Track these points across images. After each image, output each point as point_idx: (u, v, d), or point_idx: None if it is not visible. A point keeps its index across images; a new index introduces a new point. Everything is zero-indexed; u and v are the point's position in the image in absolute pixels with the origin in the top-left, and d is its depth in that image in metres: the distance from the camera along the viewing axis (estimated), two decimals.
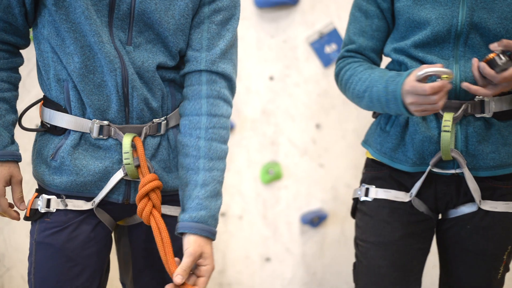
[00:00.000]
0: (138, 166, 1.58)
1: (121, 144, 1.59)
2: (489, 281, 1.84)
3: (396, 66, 1.83)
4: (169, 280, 1.53)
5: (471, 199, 1.80)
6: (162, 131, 1.65)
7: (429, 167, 1.76)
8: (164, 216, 1.62)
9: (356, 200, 1.91)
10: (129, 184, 1.62)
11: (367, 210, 1.86)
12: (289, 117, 2.92)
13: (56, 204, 1.59)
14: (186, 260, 1.50)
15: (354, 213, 1.93)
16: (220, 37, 1.63)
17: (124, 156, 1.58)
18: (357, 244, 1.90)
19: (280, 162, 2.94)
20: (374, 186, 1.85)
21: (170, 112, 1.67)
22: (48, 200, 1.59)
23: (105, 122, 1.57)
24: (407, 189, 1.82)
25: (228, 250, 3.05)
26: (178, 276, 1.48)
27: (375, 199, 1.85)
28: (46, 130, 1.62)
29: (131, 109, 1.59)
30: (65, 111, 1.58)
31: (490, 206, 1.79)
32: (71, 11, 1.50)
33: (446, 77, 1.58)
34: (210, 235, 1.56)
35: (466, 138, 1.74)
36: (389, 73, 1.72)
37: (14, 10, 1.53)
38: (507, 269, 1.87)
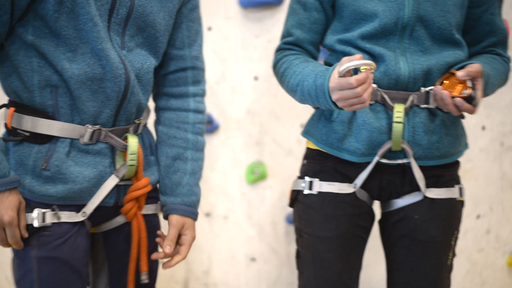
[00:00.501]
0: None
1: (111, 147, 1.59)
2: (440, 268, 1.85)
3: (340, 57, 1.81)
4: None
5: (415, 188, 1.82)
6: (140, 131, 1.68)
7: (377, 158, 1.78)
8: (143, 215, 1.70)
9: (297, 192, 1.90)
10: (119, 186, 1.62)
11: (312, 204, 1.86)
12: (274, 117, 2.93)
13: (51, 217, 1.53)
14: (172, 231, 1.69)
15: (293, 203, 1.93)
16: (197, 33, 1.76)
17: (130, 157, 1.58)
18: (300, 235, 1.91)
19: (265, 162, 2.94)
20: (318, 179, 1.85)
21: (143, 112, 1.70)
22: (43, 214, 1.52)
23: (97, 127, 1.55)
24: (351, 180, 1.83)
25: (214, 251, 3.04)
26: (167, 246, 1.67)
27: (319, 193, 1.85)
28: (25, 139, 1.53)
29: (122, 112, 1.58)
30: (52, 118, 1.53)
31: (435, 193, 1.82)
32: (75, 19, 1.46)
33: (365, 69, 1.57)
34: (195, 216, 1.78)
35: (413, 129, 1.77)
36: (320, 67, 1.72)
37: (2, 18, 1.45)
38: (454, 255, 1.89)
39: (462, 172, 3.05)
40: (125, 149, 1.60)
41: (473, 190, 3.08)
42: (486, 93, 1.75)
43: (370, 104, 1.76)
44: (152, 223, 1.74)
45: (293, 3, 1.87)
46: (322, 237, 1.84)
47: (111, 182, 1.59)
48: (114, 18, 1.52)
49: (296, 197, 1.90)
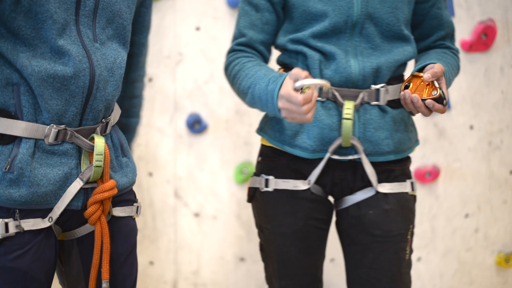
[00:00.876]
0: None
1: (78, 148, 1.53)
2: (399, 263, 1.86)
3: (293, 56, 1.85)
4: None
5: (367, 184, 1.85)
6: (108, 131, 1.62)
7: (329, 154, 1.81)
8: (116, 218, 1.65)
9: (254, 189, 1.93)
10: (86, 188, 1.56)
11: (269, 201, 1.89)
12: None
13: (13, 228, 1.46)
14: None
15: (251, 200, 1.97)
16: (149, 20, 1.77)
17: (97, 158, 1.52)
18: (261, 230, 1.95)
19: (254, 162, 2.94)
20: (273, 177, 1.88)
21: (112, 110, 1.65)
22: (6, 224, 1.45)
23: (62, 127, 1.49)
24: (305, 177, 1.86)
25: (203, 251, 3.04)
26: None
27: (275, 190, 1.88)
28: None
29: (89, 110, 1.52)
30: (15, 117, 1.46)
31: (387, 188, 1.85)
32: (33, 18, 1.41)
33: (307, 88, 1.60)
34: None
35: (364, 125, 1.80)
36: (273, 72, 1.74)
37: None
38: (412, 250, 1.91)
39: (450, 172, 3.09)
40: (92, 149, 1.54)
41: (461, 190, 3.09)
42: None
43: (322, 102, 1.80)
44: (128, 226, 1.68)
45: (244, 4, 1.87)
46: (282, 232, 1.88)
47: (76, 185, 1.52)
48: (82, 10, 1.48)
49: (253, 194, 1.94)
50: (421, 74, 1.70)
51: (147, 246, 3.01)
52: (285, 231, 1.88)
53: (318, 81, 1.61)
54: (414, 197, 1.92)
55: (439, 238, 3.12)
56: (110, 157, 1.60)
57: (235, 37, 1.89)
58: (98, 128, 1.57)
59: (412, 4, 1.85)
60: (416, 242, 3.10)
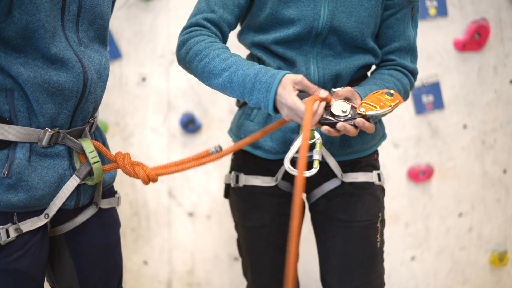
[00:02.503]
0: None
1: (69, 149, 1.55)
2: (369, 249, 1.88)
3: (255, 61, 1.87)
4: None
5: (333, 176, 1.89)
6: (93, 129, 1.66)
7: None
8: (103, 210, 1.71)
9: (228, 185, 1.99)
10: (79, 187, 1.59)
11: (240, 196, 1.96)
12: None
13: (14, 232, 1.49)
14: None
15: (227, 195, 2.02)
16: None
17: (91, 155, 1.55)
18: (236, 226, 2.04)
19: None
20: (243, 173, 1.93)
21: (97, 110, 1.68)
22: (6, 230, 1.48)
23: (55, 129, 1.50)
24: (273, 173, 1.91)
25: (197, 250, 3.04)
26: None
27: (245, 186, 1.92)
28: None
29: (79, 112, 1.55)
30: (9, 122, 1.46)
31: (352, 177, 1.89)
32: (24, 28, 1.40)
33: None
34: None
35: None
36: (255, 63, 1.69)
37: None
38: (383, 240, 1.93)
39: (444, 171, 3.09)
40: (82, 150, 1.56)
41: (455, 189, 3.10)
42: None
43: None
44: (113, 217, 1.75)
45: None
46: (251, 227, 1.95)
47: (73, 182, 1.55)
48: (66, 15, 1.49)
49: (228, 191, 1.99)
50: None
51: (141, 246, 3.01)
52: (254, 225, 1.94)
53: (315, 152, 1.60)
54: (381, 188, 1.95)
55: (433, 237, 3.12)
56: (98, 153, 1.63)
57: (201, 11, 1.79)
58: (86, 128, 1.60)
59: (379, 17, 1.82)
60: (410, 241, 3.11)
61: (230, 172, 1.97)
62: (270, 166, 1.90)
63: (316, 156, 1.60)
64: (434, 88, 2.99)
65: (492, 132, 3.07)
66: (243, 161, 1.94)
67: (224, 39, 1.81)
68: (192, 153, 2.95)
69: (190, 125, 2.91)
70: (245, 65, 1.65)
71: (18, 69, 1.42)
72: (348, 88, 1.65)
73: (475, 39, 2.93)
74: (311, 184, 1.92)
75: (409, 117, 3.00)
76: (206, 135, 2.93)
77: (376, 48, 1.84)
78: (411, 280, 3.14)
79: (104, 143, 1.72)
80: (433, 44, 2.96)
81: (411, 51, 1.87)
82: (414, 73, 1.89)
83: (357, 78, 1.86)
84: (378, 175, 1.93)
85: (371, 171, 1.92)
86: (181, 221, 3.01)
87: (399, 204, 3.08)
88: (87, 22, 1.55)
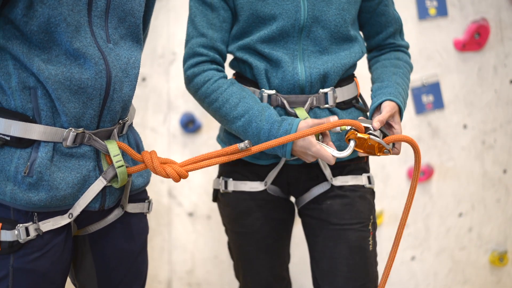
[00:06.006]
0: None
1: (95, 150, 1.53)
2: (361, 252, 1.86)
3: (241, 65, 1.87)
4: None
5: (323, 180, 1.89)
6: (125, 131, 1.63)
7: (283, 161, 1.87)
8: (129, 215, 1.67)
9: (216, 190, 2.00)
10: (104, 190, 1.56)
11: (229, 202, 1.96)
12: None
13: (33, 231, 1.47)
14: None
15: (215, 199, 2.03)
16: (153, 10, 1.76)
17: (115, 159, 1.53)
18: (226, 230, 2.04)
19: None
20: (231, 179, 1.92)
21: (129, 110, 1.66)
22: (26, 228, 1.46)
23: (80, 130, 1.48)
24: (262, 178, 1.91)
25: (197, 250, 3.04)
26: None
27: (234, 191, 1.92)
28: (5, 143, 1.45)
29: (106, 112, 1.52)
30: (33, 121, 1.45)
31: (341, 181, 1.89)
32: (46, 22, 1.40)
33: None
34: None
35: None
36: (269, 109, 1.74)
37: None
38: (375, 243, 1.93)
39: (444, 171, 3.09)
40: (107, 152, 1.54)
41: (455, 189, 3.10)
42: (403, 112, 1.79)
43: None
44: (140, 224, 1.71)
45: (197, 4, 1.83)
46: (241, 232, 1.96)
47: (99, 184, 1.53)
48: (94, 11, 1.47)
49: (216, 195, 2.01)
50: (366, 136, 1.65)
51: None
52: (244, 231, 1.94)
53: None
54: (371, 191, 1.95)
55: (433, 237, 3.12)
56: (128, 157, 1.61)
57: (192, 36, 1.83)
58: (115, 129, 1.57)
59: (358, 4, 1.87)
60: (410, 241, 3.11)
61: (219, 177, 1.97)
62: (259, 171, 1.90)
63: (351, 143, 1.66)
64: (434, 88, 2.99)
65: (492, 132, 3.07)
66: (232, 166, 1.93)
67: (223, 58, 1.85)
68: (192, 153, 2.95)
69: (190, 125, 2.91)
70: (257, 116, 1.72)
71: (40, 66, 1.41)
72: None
73: (475, 39, 2.93)
74: (299, 188, 1.92)
75: (409, 117, 3.00)
76: (206, 135, 2.93)
77: (359, 36, 1.89)
78: (411, 280, 3.14)
79: (138, 146, 1.69)
80: (433, 44, 2.97)
81: (401, 29, 1.98)
82: (408, 48, 2.01)
83: (345, 78, 1.88)
84: (368, 177, 1.93)
85: (361, 174, 1.92)
86: (181, 221, 3.01)
87: (399, 204, 3.08)
88: (116, 19, 1.53)
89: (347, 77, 1.89)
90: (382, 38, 1.95)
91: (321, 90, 1.81)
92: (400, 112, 1.77)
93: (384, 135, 1.69)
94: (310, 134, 1.63)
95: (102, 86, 1.49)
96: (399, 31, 1.97)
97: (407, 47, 1.99)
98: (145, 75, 2.87)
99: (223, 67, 1.86)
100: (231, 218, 1.97)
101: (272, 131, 1.69)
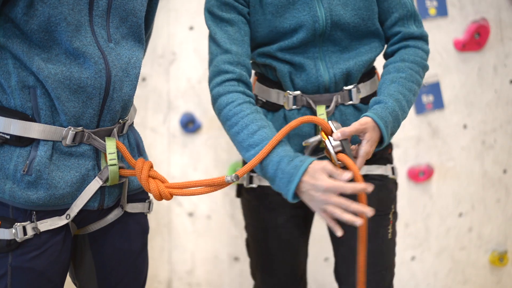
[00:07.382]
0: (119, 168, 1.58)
1: (95, 149, 1.54)
2: (380, 239, 1.88)
3: (262, 68, 1.88)
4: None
5: (346, 169, 1.84)
6: (125, 131, 1.64)
7: (315, 158, 1.83)
8: (129, 215, 1.67)
9: (240, 186, 2.00)
10: (103, 189, 1.57)
11: (253, 197, 1.96)
12: None
13: (31, 230, 1.47)
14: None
15: (239, 194, 2.03)
16: (156, 11, 1.78)
17: (110, 157, 1.53)
18: (247, 225, 2.04)
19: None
20: (256, 174, 1.90)
21: (129, 110, 1.66)
22: (24, 228, 1.46)
23: (79, 129, 1.49)
24: None
25: (197, 250, 3.04)
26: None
27: (259, 186, 1.91)
28: (4, 142, 1.46)
29: (106, 112, 1.53)
30: (32, 120, 1.46)
31: (366, 169, 1.88)
32: (46, 21, 1.40)
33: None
34: None
35: (342, 124, 1.77)
36: (282, 144, 1.64)
37: None
38: (395, 232, 1.94)
39: (444, 171, 3.09)
40: (105, 151, 1.55)
41: (455, 189, 3.10)
42: (393, 131, 1.74)
43: (298, 109, 1.83)
44: (140, 224, 1.72)
45: (216, 21, 1.79)
46: (263, 227, 1.96)
47: (95, 184, 1.54)
48: (95, 11, 1.48)
49: (240, 191, 2.01)
50: (324, 137, 1.64)
51: None
52: (267, 226, 1.94)
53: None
54: (394, 181, 1.95)
55: (433, 237, 3.12)
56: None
57: (216, 54, 1.77)
58: (115, 128, 1.57)
59: None
60: (410, 241, 3.10)
61: None
62: None
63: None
64: (434, 88, 2.99)
65: (492, 132, 3.07)
66: None
67: (249, 73, 1.80)
68: (192, 153, 2.95)
69: (190, 125, 2.91)
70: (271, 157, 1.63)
71: (40, 65, 1.42)
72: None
73: (475, 39, 2.93)
74: None
75: (409, 117, 2.98)
76: (206, 135, 2.93)
77: (380, 29, 1.83)
78: (411, 280, 3.14)
79: (139, 146, 1.70)
80: (433, 44, 2.95)
81: (413, 16, 1.84)
82: (423, 38, 1.86)
83: (367, 73, 1.88)
84: (392, 168, 1.93)
85: (385, 164, 1.91)
86: (181, 221, 3.01)
87: (399, 204, 3.06)
88: (118, 19, 1.53)
89: (369, 71, 1.89)
90: (388, 27, 1.84)
91: (345, 88, 1.81)
92: (382, 132, 1.68)
93: (345, 151, 1.63)
94: (280, 139, 1.59)
95: (101, 85, 1.49)
96: (409, 17, 1.83)
97: (421, 35, 1.84)
98: (145, 75, 2.87)
99: (250, 85, 1.80)
100: (254, 213, 1.97)
101: (281, 164, 1.61)
